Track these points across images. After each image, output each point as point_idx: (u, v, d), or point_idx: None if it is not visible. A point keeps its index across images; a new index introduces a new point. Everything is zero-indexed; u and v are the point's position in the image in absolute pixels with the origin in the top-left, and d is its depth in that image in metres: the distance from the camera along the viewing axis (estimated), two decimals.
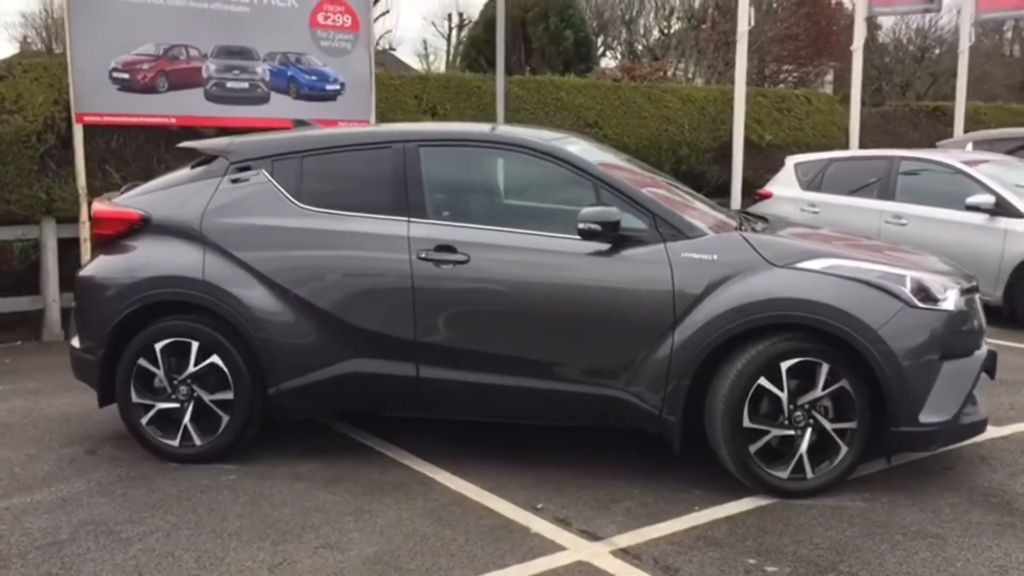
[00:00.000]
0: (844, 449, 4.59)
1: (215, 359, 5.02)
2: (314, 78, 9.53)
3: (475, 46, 17.66)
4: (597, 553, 4.04)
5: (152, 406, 5.12)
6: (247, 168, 5.17)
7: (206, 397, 5.07)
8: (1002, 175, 9.35)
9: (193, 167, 5.43)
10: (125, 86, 8.60)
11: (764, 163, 12.20)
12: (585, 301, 4.70)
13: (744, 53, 11.99)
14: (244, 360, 5.01)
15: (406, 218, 4.91)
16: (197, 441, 5.09)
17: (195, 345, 5.03)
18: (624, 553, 4.05)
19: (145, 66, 8.70)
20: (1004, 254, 8.76)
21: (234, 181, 5.16)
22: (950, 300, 4.65)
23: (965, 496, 4.65)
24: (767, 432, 4.56)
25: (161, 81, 8.80)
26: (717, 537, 4.20)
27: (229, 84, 9.10)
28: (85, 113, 8.45)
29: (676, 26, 23.45)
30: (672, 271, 4.61)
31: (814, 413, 4.57)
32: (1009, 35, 30.12)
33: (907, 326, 4.51)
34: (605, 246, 4.72)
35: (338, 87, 9.64)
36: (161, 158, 9.00)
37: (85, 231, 8.56)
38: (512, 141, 5.07)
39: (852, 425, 4.58)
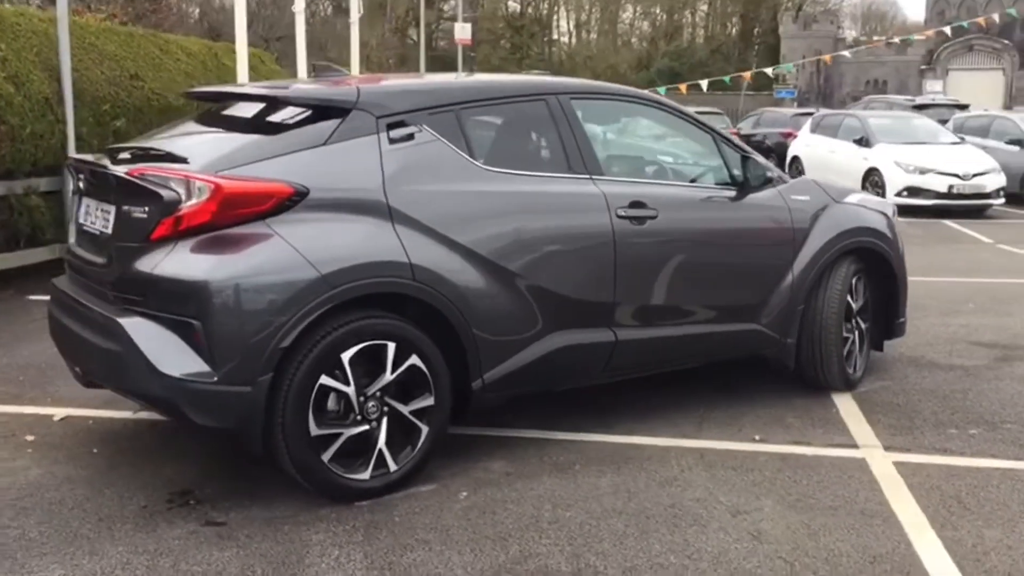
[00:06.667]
0: (866, 341, 5.81)
1: (414, 360, 4.10)
2: None
3: None
4: (885, 455, 4.66)
5: (337, 435, 3.97)
6: (401, 124, 4.22)
7: (404, 409, 4.11)
8: None
9: (295, 124, 4.15)
10: None
11: None
12: (743, 245, 5.12)
13: (243, 6, 11.58)
14: (444, 355, 4.20)
15: (587, 175, 4.63)
16: (392, 466, 4.11)
17: (391, 347, 4.04)
18: (896, 450, 4.74)
19: None
20: None
21: (394, 140, 4.17)
22: None
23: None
24: (849, 338, 5.56)
25: None
26: (905, 425, 5.08)
27: None
28: None
29: None
30: (790, 212, 5.28)
31: (856, 318, 5.69)
32: None
33: (901, 244, 5.89)
34: (733, 192, 5.15)
35: None
36: None
37: None
38: (653, 99, 5.08)
39: (869, 324, 5.82)
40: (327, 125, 4.09)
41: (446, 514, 3.95)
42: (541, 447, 4.69)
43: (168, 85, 10.30)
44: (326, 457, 3.92)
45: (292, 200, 3.87)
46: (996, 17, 28.90)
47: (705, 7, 78.26)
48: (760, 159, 5.23)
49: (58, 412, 5.16)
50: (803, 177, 5.74)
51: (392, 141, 4.15)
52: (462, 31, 22.27)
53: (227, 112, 4.61)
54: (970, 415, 5.25)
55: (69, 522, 3.87)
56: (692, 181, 5.18)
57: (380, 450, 4.04)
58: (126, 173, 3.95)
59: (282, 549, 3.65)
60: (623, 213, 4.61)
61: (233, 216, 3.80)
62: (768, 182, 5.19)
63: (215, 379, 3.72)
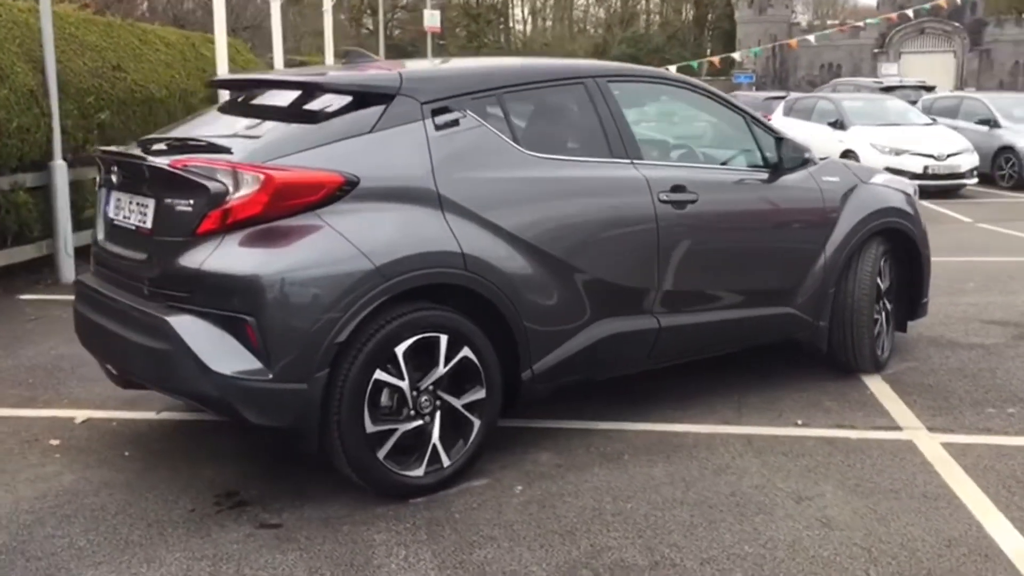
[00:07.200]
0: (891, 322, 5.78)
1: (466, 352, 3.99)
2: None
3: None
4: (931, 437, 4.63)
5: (392, 431, 3.86)
6: (446, 110, 4.10)
7: (457, 402, 4.01)
8: None
9: (337, 111, 4.00)
10: None
11: None
12: (779, 227, 5.08)
13: None
14: (494, 345, 4.10)
15: (628, 160, 4.54)
16: (445, 461, 4.00)
17: (443, 339, 3.93)
18: (940, 431, 4.71)
19: None
20: None
21: (439, 127, 4.05)
22: None
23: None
24: (878, 319, 5.53)
25: None
26: (942, 405, 5.08)
27: None
28: None
29: None
30: (821, 193, 5.23)
31: (883, 299, 5.66)
32: None
33: (924, 223, 5.88)
34: (767, 175, 5.08)
35: None
36: None
37: None
38: (687, 81, 5.00)
39: (894, 305, 5.79)
40: (371, 112, 3.96)
41: (505, 509, 3.86)
42: (585, 437, 4.61)
43: (149, 76, 10.04)
44: (381, 454, 3.81)
45: (343, 190, 3.74)
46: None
47: None
48: (795, 140, 5.17)
49: (78, 414, 4.98)
50: (831, 158, 5.68)
51: (438, 127, 4.03)
52: (431, 19, 22.10)
53: (259, 101, 4.45)
54: (1003, 394, 5.25)
55: (117, 529, 3.72)
56: (727, 163, 5.11)
57: (434, 445, 3.93)
58: (168, 164, 3.79)
59: (346, 550, 3.53)
60: (665, 198, 4.54)
61: (284, 208, 3.66)
62: (805, 163, 5.13)
63: (270, 376, 3.59)
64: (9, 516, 3.83)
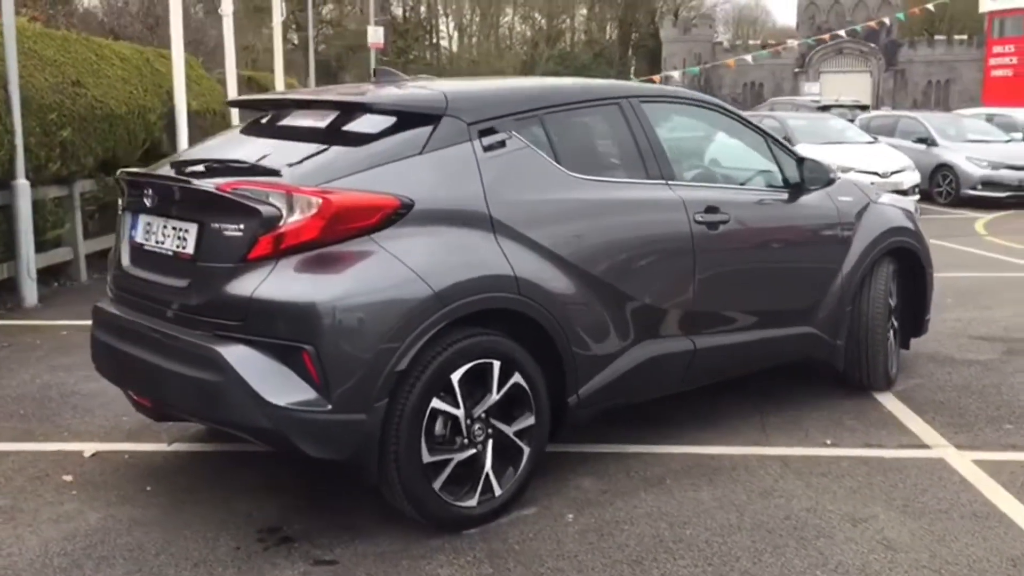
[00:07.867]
0: (897, 340, 5.84)
1: (517, 378, 3.90)
2: None
3: None
4: (960, 454, 4.66)
5: (447, 461, 3.74)
6: (492, 131, 4.01)
7: (508, 430, 3.91)
8: None
9: (383, 132, 3.87)
10: None
11: (192, 131, 11.42)
12: (803, 247, 5.10)
13: (179, 11, 11.07)
14: (543, 370, 4.02)
15: (663, 181, 4.50)
16: (497, 490, 3.90)
17: (496, 365, 3.83)
18: (967, 449, 4.75)
19: None
20: None
21: (487, 148, 3.96)
22: None
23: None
24: (888, 336, 5.58)
25: None
26: (960, 422, 5.13)
27: None
28: None
29: None
30: (838, 213, 5.27)
31: (891, 317, 5.72)
32: None
33: (926, 240, 5.96)
34: (787, 195, 5.10)
35: None
36: None
37: None
38: (713, 102, 4.99)
39: (899, 322, 5.86)
40: (419, 133, 3.85)
41: (564, 539, 3.77)
42: (622, 461, 4.54)
43: (108, 92, 9.71)
44: (437, 485, 3.69)
45: (398, 213, 3.62)
46: (887, 20, 30.07)
47: (585, 11, 79.40)
48: (820, 161, 5.21)
49: (85, 447, 4.75)
50: (843, 177, 5.72)
51: (486, 148, 3.94)
52: (375, 35, 21.95)
53: (290, 121, 4.29)
54: (1015, 410, 5.33)
55: (162, 570, 3.53)
56: (749, 184, 5.10)
57: (487, 474, 3.83)
58: (216, 187, 3.62)
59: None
60: (700, 218, 4.51)
61: (340, 232, 3.53)
62: (829, 183, 5.17)
63: (328, 407, 3.45)
64: (41, 560, 3.61)
